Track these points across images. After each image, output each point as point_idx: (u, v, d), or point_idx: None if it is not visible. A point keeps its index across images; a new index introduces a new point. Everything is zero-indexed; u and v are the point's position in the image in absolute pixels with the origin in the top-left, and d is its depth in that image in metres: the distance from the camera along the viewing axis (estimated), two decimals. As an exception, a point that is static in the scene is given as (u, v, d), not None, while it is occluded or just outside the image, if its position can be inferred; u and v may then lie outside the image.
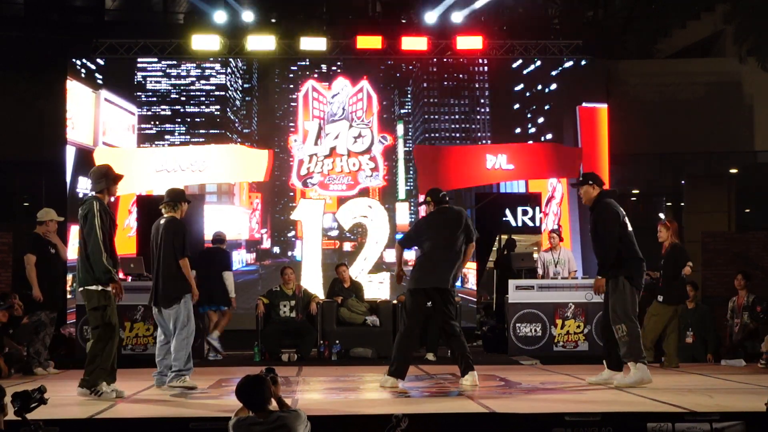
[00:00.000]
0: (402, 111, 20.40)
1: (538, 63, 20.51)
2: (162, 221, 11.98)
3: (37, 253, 13.82)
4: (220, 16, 20.55)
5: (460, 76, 20.68)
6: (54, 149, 19.55)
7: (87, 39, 20.50)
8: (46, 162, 20.23)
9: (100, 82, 19.81)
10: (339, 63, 20.53)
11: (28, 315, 14.20)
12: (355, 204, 20.23)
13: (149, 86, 19.94)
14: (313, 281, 19.20)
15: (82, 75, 19.70)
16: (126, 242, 18.61)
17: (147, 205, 18.66)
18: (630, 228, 11.75)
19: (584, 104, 20.39)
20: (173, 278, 11.83)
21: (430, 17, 20.81)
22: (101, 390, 10.55)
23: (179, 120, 19.94)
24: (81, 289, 10.86)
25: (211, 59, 20.25)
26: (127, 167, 19.35)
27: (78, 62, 19.68)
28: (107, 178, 10.95)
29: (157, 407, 10.09)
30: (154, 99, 19.96)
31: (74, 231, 14.89)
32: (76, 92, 19.57)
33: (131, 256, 17.61)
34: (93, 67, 19.76)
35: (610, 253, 11.54)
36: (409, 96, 20.46)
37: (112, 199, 12.44)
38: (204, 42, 19.88)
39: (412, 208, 20.11)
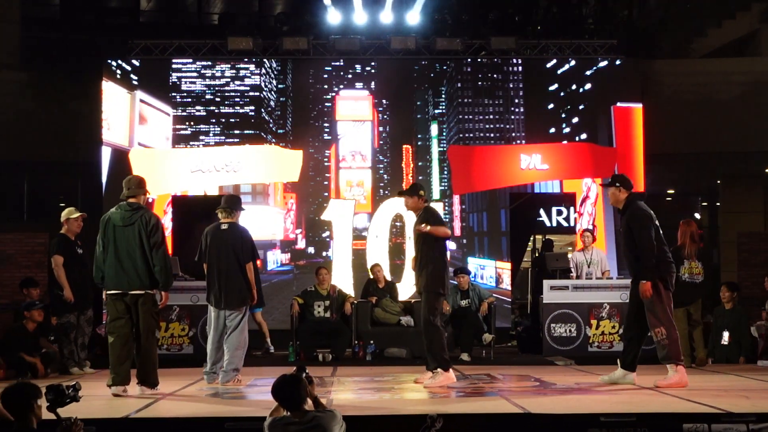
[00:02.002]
0: (436, 111, 20.35)
1: (573, 63, 20.39)
2: (224, 227, 12.51)
3: (64, 253, 13.91)
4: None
5: (495, 76, 20.60)
6: (89, 150, 19.64)
7: (122, 40, 20.60)
8: (82, 163, 20.33)
9: (135, 82, 19.86)
10: (373, 63, 20.52)
11: (56, 316, 14.31)
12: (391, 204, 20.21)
13: (184, 87, 19.97)
14: (344, 281, 19.14)
15: (117, 76, 19.74)
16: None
17: (182, 206, 18.77)
18: (660, 231, 11.76)
19: (619, 104, 20.28)
20: (245, 281, 12.37)
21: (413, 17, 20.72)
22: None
23: (214, 120, 19.97)
24: (142, 291, 11.12)
25: (246, 59, 20.27)
26: (162, 168, 19.50)
27: (113, 63, 19.73)
28: (143, 188, 11.38)
29: (191, 407, 10.14)
30: (189, 100, 19.99)
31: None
32: (112, 93, 19.61)
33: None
34: (128, 68, 19.80)
35: (650, 255, 11.49)
36: (443, 96, 20.41)
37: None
38: (238, 43, 19.91)
39: (446, 208, 20.08)
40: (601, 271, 16.95)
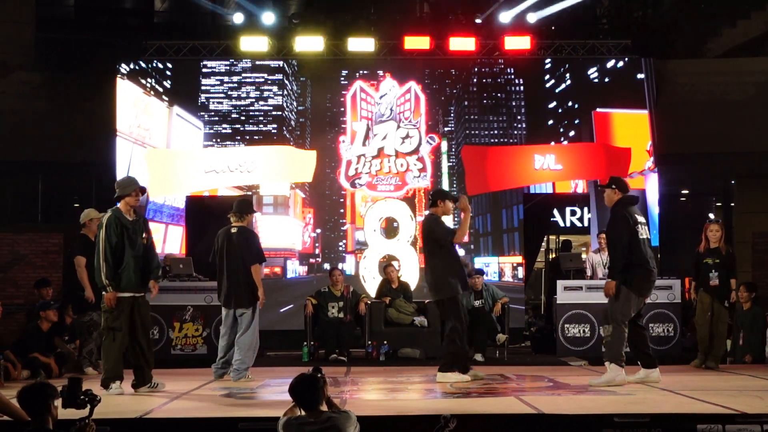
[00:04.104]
0: (446, 129, 20.60)
1: (569, 82, 20.45)
2: (234, 230, 12.94)
3: (86, 254, 13.96)
4: (268, 18, 20.60)
5: (498, 95, 20.83)
6: (103, 150, 19.64)
7: (136, 41, 20.63)
8: (96, 163, 20.34)
9: (166, 98, 19.99)
10: (387, 65, 20.54)
11: (78, 315, 14.36)
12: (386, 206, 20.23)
13: (212, 107, 20.27)
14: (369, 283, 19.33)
15: (157, 90, 19.93)
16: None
17: (196, 206, 18.82)
18: (643, 235, 11.86)
19: (619, 110, 20.31)
20: (249, 283, 12.80)
21: (478, 18, 20.76)
22: (111, 387, 11.19)
23: (239, 137, 20.28)
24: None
25: (268, 80, 20.40)
26: (177, 168, 19.54)
27: (151, 81, 19.94)
28: (125, 188, 11.62)
29: (206, 407, 10.16)
30: (216, 118, 20.28)
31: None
32: (154, 107, 19.87)
33: (181, 256, 17.75)
34: (160, 89, 19.97)
35: (618, 257, 11.78)
36: (452, 115, 20.62)
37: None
38: (252, 43, 19.96)
39: (455, 219, 20.10)
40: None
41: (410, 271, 19.49)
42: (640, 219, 11.91)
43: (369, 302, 16.54)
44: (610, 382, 11.46)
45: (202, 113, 20.24)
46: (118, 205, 11.52)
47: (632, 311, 11.73)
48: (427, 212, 13.17)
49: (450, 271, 12.43)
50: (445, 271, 12.42)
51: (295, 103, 20.51)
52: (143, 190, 11.81)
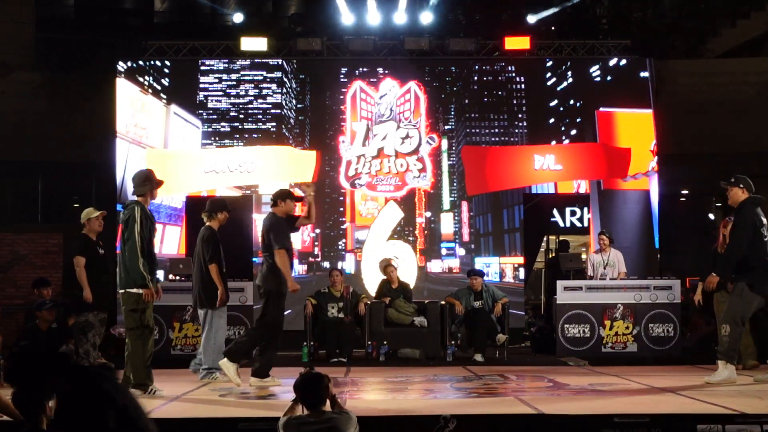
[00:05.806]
0: (446, 127, 20.54)
1: (571, 80, 20.44)
2: (201, 230, 13.02)
3: (86, 254, 13.90)
4: (237, 17, 20.63)
5: (499, 93, 20.77)
6: (103, 150, 19.66)
7: (136, 41, 20.65)
8: (96, 163, 20.36)
9: (164, 96, 19.97)
10: (386, 66, 20.54)
11: (75, 315, 14.34)
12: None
13: (210, 105, 20.22)
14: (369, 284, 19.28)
15: (155, 88, 19.91)
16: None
17: (196, 206, 18.79)
18: (767, 237, 11.95)
19: (602, 109, 20.29)
20: (204, 283, 12.84)
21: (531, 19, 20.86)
22: (153, 389, 10.95)
23: (237, 136, 20.22)
24: (122, 291, 11.25)
25: (267, 78, 20.39)
26: (177, 168, 19.52)
27: (149, 79, 19.91)
28: (150, 182, 11.41)
29: (206, 407, 10.15)
30: (215, 117, 20.24)
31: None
32: (151, 105, 19.81)
33: (180, 257, 17.73)
34: (159, 87, 19.97)
35: (734, 256, 11.89)
36: (452, 113, 20.58)
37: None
38: (252, 44, 19.96)
39: (455, 218, 20.11)
40: (617, 273, 16.85)
41: (409, 271, 19.50)
42: (765, 221, 12.01)
43: (369, 302, 16.52)
44: (727, 381, 11.57)
45: (200, 111, 20.20)
46: (139, 198, 11.28)
47: (752, 311, 11.91)
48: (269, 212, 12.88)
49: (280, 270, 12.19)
50: (277, 269, 12.15)
51: (294, 101, 20.49)
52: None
